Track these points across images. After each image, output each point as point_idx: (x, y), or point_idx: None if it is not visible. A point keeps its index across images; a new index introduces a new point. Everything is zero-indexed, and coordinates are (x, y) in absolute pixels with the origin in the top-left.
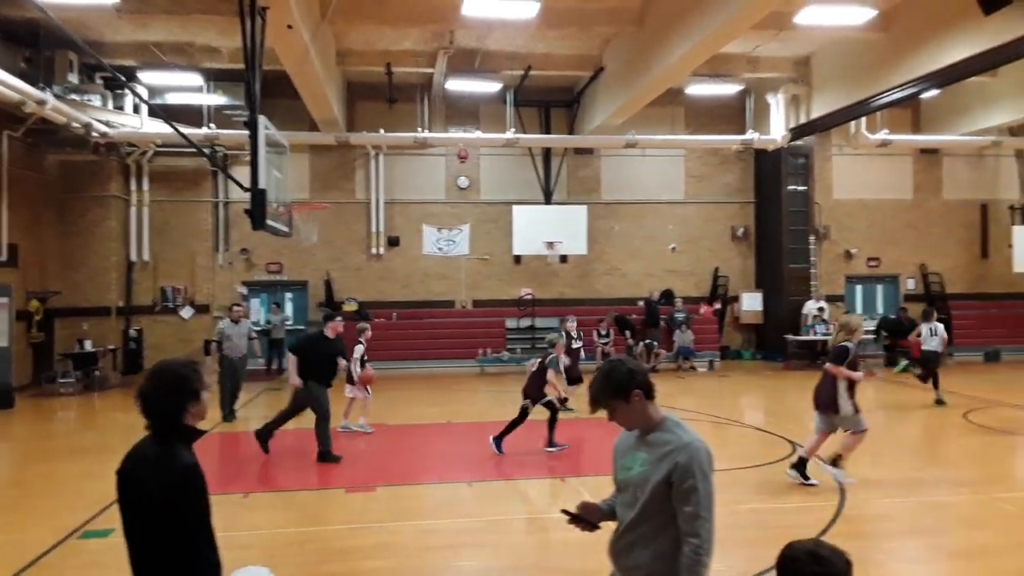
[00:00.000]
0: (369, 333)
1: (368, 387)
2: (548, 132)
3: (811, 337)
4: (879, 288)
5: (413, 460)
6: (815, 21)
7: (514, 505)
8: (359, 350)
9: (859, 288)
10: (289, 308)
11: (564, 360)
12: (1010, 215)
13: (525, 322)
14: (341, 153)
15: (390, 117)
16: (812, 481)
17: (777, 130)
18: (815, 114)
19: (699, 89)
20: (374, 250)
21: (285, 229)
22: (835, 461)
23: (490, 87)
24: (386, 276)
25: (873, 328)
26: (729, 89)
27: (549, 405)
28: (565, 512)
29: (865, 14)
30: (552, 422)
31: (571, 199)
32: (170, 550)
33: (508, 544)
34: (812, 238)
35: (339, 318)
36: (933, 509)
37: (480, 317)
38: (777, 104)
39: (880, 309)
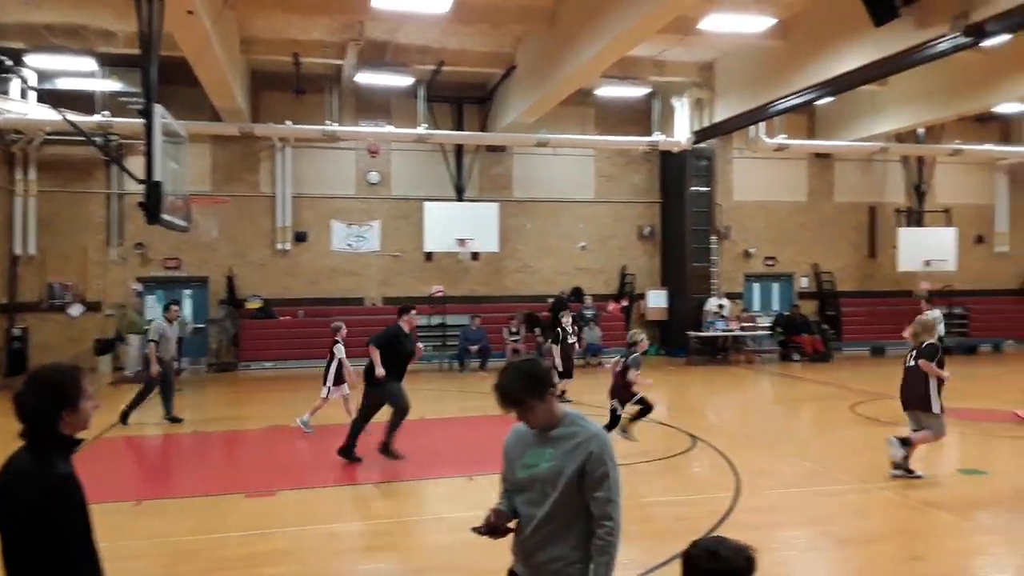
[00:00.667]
0: (345, 331)
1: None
2: (460, 128)
3: (712, 333)
4: (775, 286)
5: (316, 462)
6: (718, 28)
7: (423, 505)
8: (341, 349)
9: (756, 286)
10: (188, 306)
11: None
12: (896, 217)
13: (436, 319)
14: (245, 144)
15: (298, 108)
16: (918, 473)
17: (682, 133)
18: (718, 118)
19: (608, 91)
20: (280, 245)
21: (182, 223)
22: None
23: (401, 81)
24: (292, 272)
25: (769, 325)
26: (637, 91)
27: (642, 402)
28: (476, 530)
29: (765, 22)
30: (641, 418)
31: (483, 196)
32: (47, 564)
33: (417, 545)
34: (714, 238)
35: (414, 311)
36: (822, 498)
37: (390, 315)
38: (682, 107)
39: (776, 306)
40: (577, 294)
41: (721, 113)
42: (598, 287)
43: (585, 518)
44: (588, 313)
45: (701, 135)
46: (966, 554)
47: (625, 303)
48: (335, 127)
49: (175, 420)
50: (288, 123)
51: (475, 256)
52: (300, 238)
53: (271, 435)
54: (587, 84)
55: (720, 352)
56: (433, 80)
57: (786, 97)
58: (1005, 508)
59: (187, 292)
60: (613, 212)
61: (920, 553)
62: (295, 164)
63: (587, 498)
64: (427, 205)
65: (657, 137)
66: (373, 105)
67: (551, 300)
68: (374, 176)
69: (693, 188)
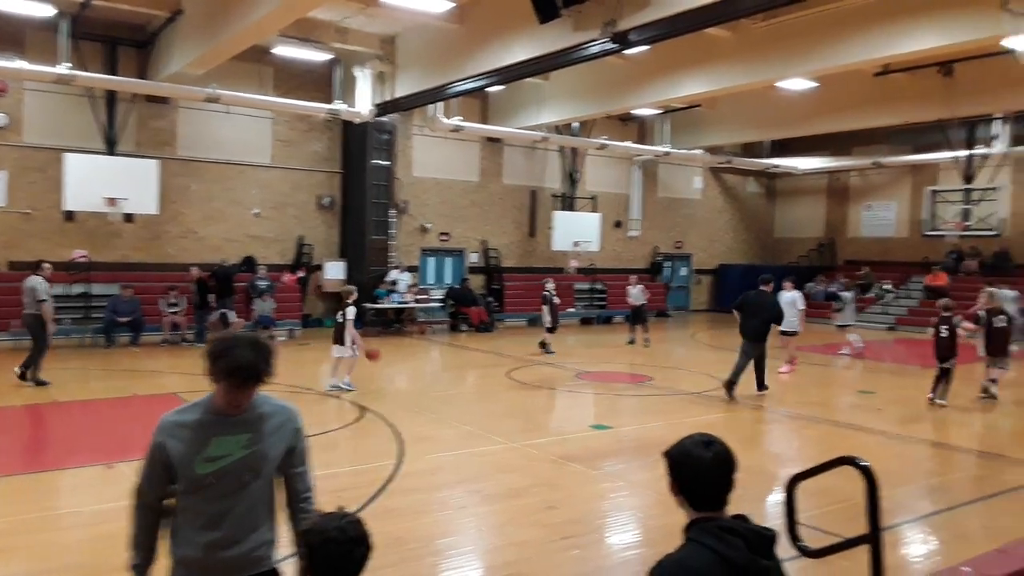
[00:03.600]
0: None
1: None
2: (114, 73)
3: (387, 305)
4: (448, 261)
5: None
6: (398, 2)
7: (49, 499)
8: (352, 312)
9: (432, 260)
10: None
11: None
12: (552, 201)
13: (77, 288)
14: None
15: None
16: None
17: (363, 104)
18: (399, 93)
19: (288, 51)
20: None
21: None
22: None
23: (39, 11)
24: None
25: (441, 297)
26: (318, 56)
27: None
28: None
29: (443, 4)
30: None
31: (140, 152)
32: None
33: (38, 544)
34: (393, 212)
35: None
36: (477, 459)
37: (18, 282)
38: (364, 78)
39: (448, 280)
40: (249, 264)
41: (402, 89)
42: (273, 257)
43: (272, 497)
44: (261, 284)
45: (383, 108)
46: (594, 499)
47: (302, 274)
48: None
49: None
50: None
51: (129, 218)
52: None
53: None
54: (264, 41)
55: (395, 324)
56: (80, 15)
57: (462, 80)
58: (627, 457)
59: None
60: (291, 179)
61: (556, 502)
62: None
63: (288, 474)
64: (68, 157)
65: (339, 106)
66: (1, 35)
67: (215, 269)
68: (0, 118)
69: (374, 161)
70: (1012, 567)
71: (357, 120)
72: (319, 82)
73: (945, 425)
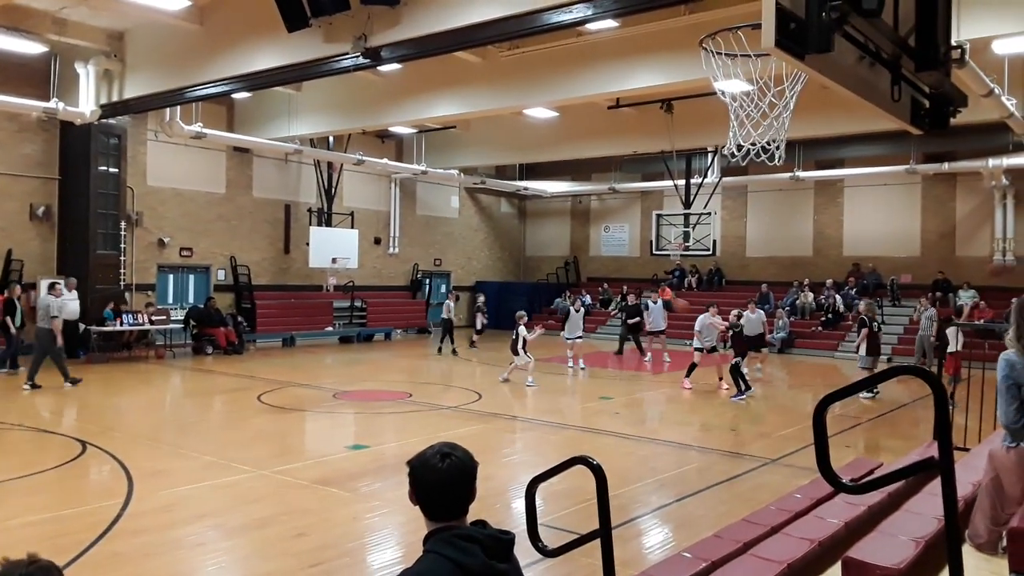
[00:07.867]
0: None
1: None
2: None
3: (117, 328)
4: (191, 278)
5: None
6: None
7: None
8: (524, 330)
9: (171, 277)
10: None
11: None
12: (309, 216)
13: None
14: None
15: None
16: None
17: (86, 104)
18: (129, 94)
19: None
20: None
21: None
22: None
23: None
24: None
25: (182, 318)
26: (31, 48)
27: None
28: None
29: (177, 2)
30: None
31: None
32: None
33: None
34: (124, 224)
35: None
36: (218, 491)
37: None
38: (87, 75)
39: (192, 299)
40: None
41: (133, 89)
42: None
43: None
44: None
45: (110, 110)
46: (348, 522)
47: (16, 294)
48: None
49: None
50: None
51: None
52: None
53: None
54: None
55: (125, 348)
56: None
57: (202, 85)
58: (385, 475)
59: None
60: None
61: (306, 529)
62: None
63: None
64: None
65: (55, 104)
66: None
67: None
68: None
69: (100, 167)
70: (726, 550)
71: (79, 121)
72: (33, 78)
73: (673, 425)
